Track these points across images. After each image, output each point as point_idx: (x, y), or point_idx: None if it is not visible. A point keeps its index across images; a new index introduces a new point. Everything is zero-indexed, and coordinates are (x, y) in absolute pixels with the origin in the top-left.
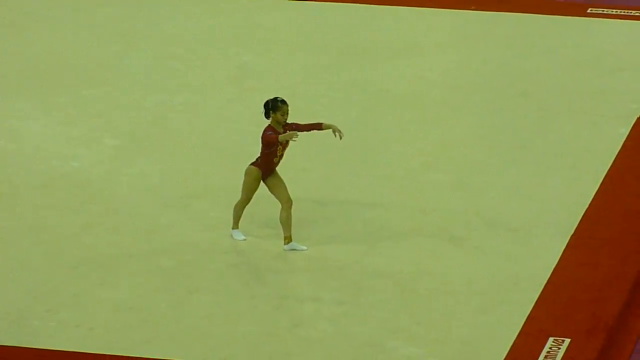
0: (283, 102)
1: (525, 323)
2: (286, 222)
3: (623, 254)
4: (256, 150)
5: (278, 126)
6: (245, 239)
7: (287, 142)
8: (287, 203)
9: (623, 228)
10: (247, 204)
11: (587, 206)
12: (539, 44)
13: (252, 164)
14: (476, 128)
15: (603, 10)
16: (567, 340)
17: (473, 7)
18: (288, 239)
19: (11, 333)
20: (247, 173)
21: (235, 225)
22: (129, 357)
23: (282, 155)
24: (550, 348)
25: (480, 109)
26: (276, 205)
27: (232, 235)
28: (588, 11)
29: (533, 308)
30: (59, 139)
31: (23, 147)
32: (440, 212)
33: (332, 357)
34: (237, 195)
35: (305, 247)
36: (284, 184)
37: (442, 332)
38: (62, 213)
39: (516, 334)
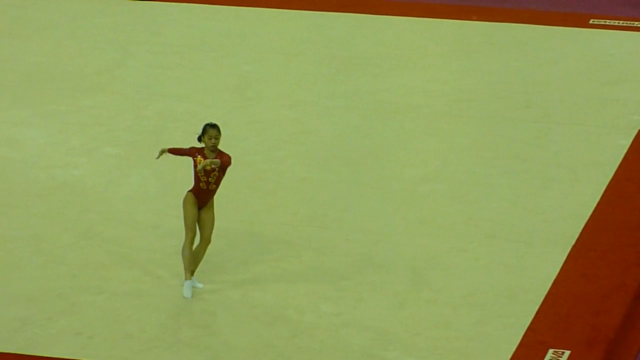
0: (212, 125)
1: (524, 335)
2: (197, 257)
3: (623, 265)
4: (255, 160)
5: (207, 150)
6: (196, 290)
7: (213, 170)
8: (205, 242)
9: (623, 240)
10: (193, 241)
11: (587, 218)
12: (540, 54)
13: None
14: (477, 139)
15: (605, 22)
16: (567, 352)
17: (474, 18)
18: (191, 275)
19: (12, 341)
20: (183, 202)
21: (189, 275)
22: None
23: (208, 182)
24: None
25: (481, 120)
26: (282, 215)
27: (184, 292)
28: (590, 22)
29: (533, 320)
30: (59, 147)
31: (23, 155)
32: (439, 223)
33: None
34: (237, 203)
35: (201, 285)
36: (212, 222)
37: (440, 343)
38: (62, 221)
39: (515, 345)
